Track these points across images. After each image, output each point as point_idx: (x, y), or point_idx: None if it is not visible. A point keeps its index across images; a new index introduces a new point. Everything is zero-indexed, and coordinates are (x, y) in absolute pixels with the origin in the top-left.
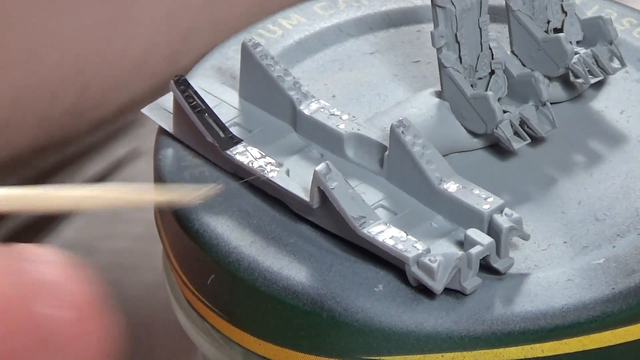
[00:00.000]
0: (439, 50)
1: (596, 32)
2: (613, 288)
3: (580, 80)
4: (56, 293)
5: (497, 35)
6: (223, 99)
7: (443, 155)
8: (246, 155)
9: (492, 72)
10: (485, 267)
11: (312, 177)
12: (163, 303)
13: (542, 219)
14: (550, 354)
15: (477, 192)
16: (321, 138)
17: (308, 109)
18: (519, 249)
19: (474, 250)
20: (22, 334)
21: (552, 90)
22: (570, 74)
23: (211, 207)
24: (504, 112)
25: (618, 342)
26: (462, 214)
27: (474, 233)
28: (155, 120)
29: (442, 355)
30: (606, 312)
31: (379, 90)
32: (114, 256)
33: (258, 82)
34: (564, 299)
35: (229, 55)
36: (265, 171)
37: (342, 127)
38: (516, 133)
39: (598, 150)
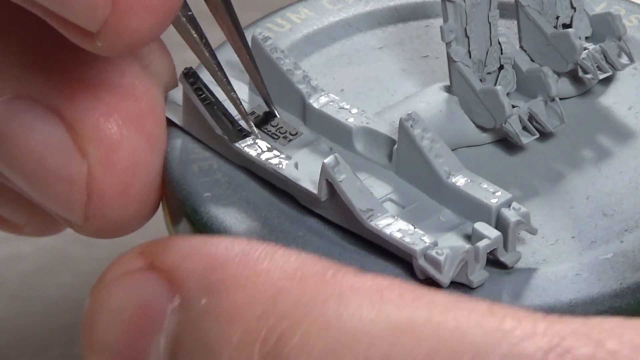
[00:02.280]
0: (448, 44)
1: (605, 28)
2: (621, 283)
3: (588, 76)
4: None
5: (506, 30)
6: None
7: (452, 150)
8: (255, 148)
9: (501, 67)
10: (493, 261)
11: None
12: None
13: (551, 214)
14: None
15: (485, 186)
16: (330, 131)
17: (317, 102)
18: (527, 243)
19: (481, 243)
20: None
21: (561, 86)
22: (579, 70)
23: (219, 200)
24: (513, 106)
25: None
26: (470, 208)
27: (482, 227)
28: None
29: None
30: (614, 306)
31: (387, 85)
32: (112, 248)
33: (268, 75)
34: (572, 294)
35: None
36: (274, 164)
37: (351, 121)
38: (525, 128)
39: (606, 146)
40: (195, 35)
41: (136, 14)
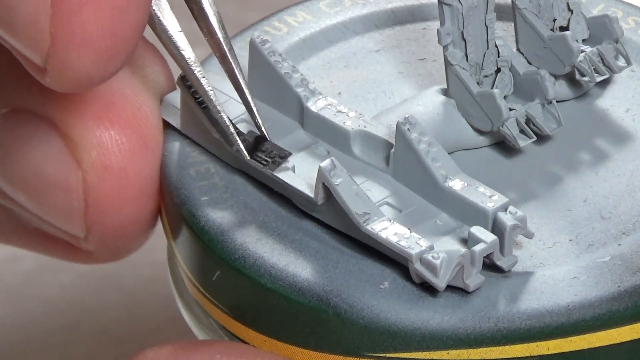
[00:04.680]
0: (445, 47)
1: (602, 30)
2: (619, 286)
3: (586, 79)
4: None
5: (503, 33)
6: (231, 96)
7: (449, 153)
8: None
9: (498, 70)
10: (490, 265)
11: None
12: (161, 297)
13: (548, 217)
14: (555, 351)
15: (482, 190)
16: (328, 135)
17: (315, 105)
18: (524, 246)
19: (477, 247)
20: None
21: (558, 89)
22: (576, 72)
23: (217, 204)
24: (510, 109)
25: (624, 340)
26: (466, 212)
27: (478, 231)
28: (162, 116)
29: (448, 352)
30: (612, 310)
31: (384, 88)
32: None
33: (266, 78)
34: (569, 297)
35: (236, 51)
36: (271, 167)
37: (348, 125)
38: (522, 131)
39: (604, 149)
40: (183, 54)
41: (75, 50)
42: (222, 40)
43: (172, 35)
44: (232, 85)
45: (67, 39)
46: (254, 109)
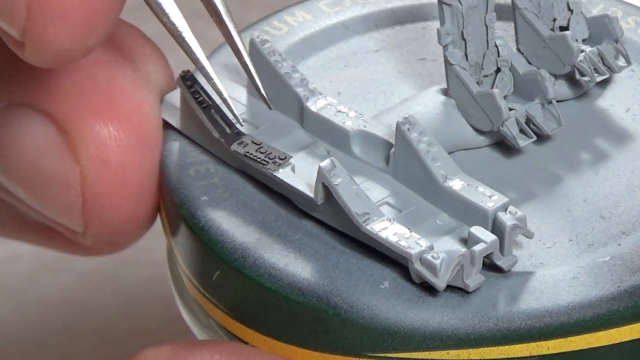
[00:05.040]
0: (445, 47)
1: (602, 30)
2: (619, 286)
3: (586, 78)
4: None
5: (503, 33)
6: (230, 95)
7: (449, 153)
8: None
9: (498, 70)
10: (490, 265)
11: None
12: (161, 297)
13: (548, 217)
14: (555, 351)
15: (481, 189)
16: (328, 135)
17: (315, 105)
18: (524, 246)
19: (477, 247)
20: None
21: (558, 88)
22: (576, 72)
23: (216, 203)
24: (510, 109)
25: (624, 340)
26: (466, 212)
27: (478, 230)
28: (162, 116)
29: (448, 352)
30: (612, 309)
31: (384, 88)
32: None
33: (266, 78)
34: (569, 297)
35: None
36: (271, 167)
37: (348, 124)
38: (522, 131)
39: (604, 148)
40: (185, 36)
41: (51, 22)
42: (227, 20)
43: (165, 8)
44: (232, 85)
45: (43, 11)
46: (253, 72)
